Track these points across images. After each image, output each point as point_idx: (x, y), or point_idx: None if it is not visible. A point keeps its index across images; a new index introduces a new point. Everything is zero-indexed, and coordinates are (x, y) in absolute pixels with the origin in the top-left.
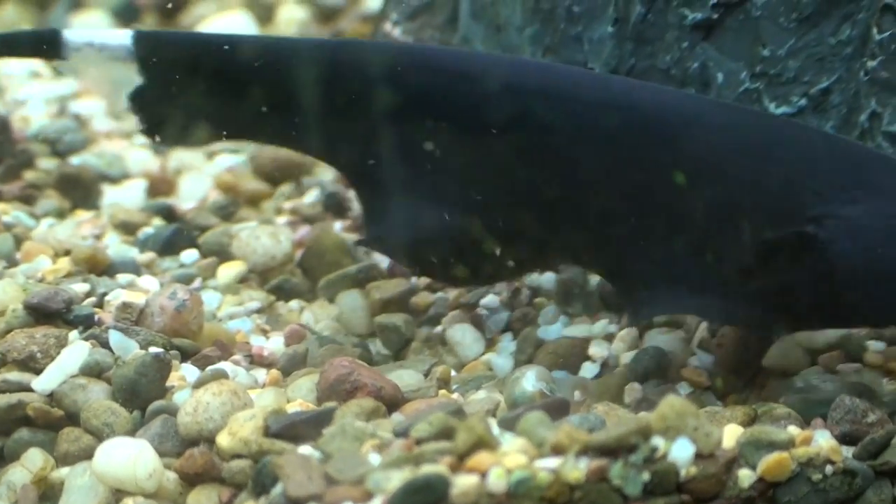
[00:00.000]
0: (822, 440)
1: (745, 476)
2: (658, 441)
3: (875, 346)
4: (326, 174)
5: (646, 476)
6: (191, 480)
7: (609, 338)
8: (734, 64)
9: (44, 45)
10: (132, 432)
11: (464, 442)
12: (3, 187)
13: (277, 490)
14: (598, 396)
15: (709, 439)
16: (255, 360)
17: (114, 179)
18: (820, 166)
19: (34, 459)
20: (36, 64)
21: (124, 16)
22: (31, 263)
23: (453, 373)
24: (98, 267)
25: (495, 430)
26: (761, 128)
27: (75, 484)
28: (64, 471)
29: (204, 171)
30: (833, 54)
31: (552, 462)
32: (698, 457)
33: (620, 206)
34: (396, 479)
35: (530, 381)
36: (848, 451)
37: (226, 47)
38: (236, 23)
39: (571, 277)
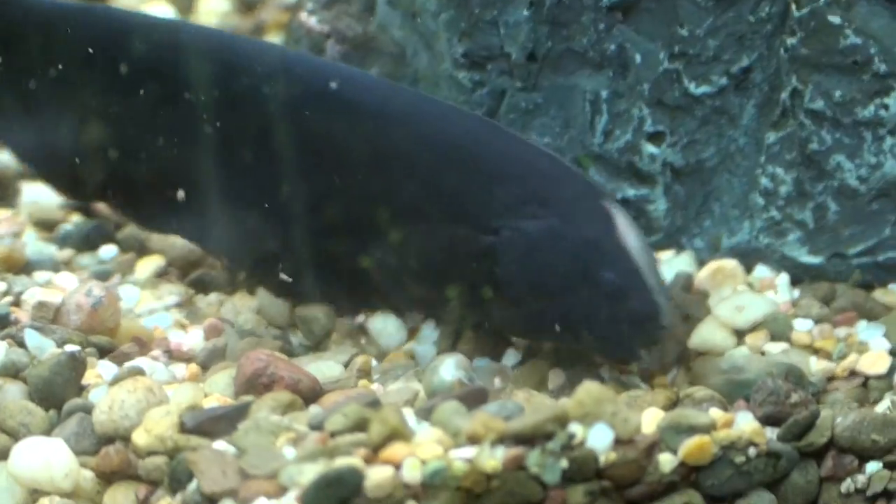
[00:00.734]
0: (745, 423)
1: (667, 461)
2: (576, 428)
3: (801, 325)
4: None
5: (564, 463)
6: (107, 478)
7: None
8: (652, 45)
9: None
10: (48, 431)
11: (378, 433)
12: None
13: (193, 486)
14: (519, 383)
15: (627, 425)
16: (173, 356)
17: (32, 177)
18: (509, 177)
19: None
20: None
21: None
22: None
23: (374, 363)
24: (15, 265)
25: (412, 420)
26: (459, 128)
27: None
28: None
29: None
30: (753, 32)
31: (468, 452)
32: (617, 442)
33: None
34: (310, 472)
35: (448, 369)
36: (772, 433)
37: None
38: (159, 13)
39: None
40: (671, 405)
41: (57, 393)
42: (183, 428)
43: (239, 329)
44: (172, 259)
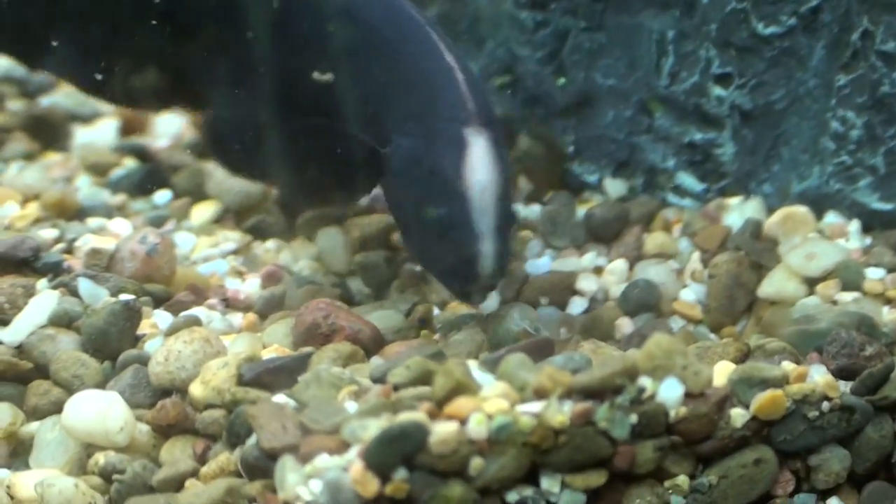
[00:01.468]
0: (818, 376)
1: (738, 415)
2: (645, 381)
3: (874, 273)
4: None
5: (633, 418)
6: (164, 432)
7: (598, 271)
8: None
9: None
10: (103, 384)
11: (442, 387)
12: None
13: (252, 441)
14: (585, 333)
15: (698, 378)
16: (230, 304)
17: (85, 119)
18: (406, 88)
19: (3, 415)
20: None
21: None
22: None
23: (436, 311)
24: (68, 211)
25: (476, 373)
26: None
27: (45, 439)
28: (34, 425)
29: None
30: None
31: (535, 406)
32: (688, 396)
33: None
34: (373, 427)
35: (514, 319)
36: (845, 387)
37: None
38: None
39: (557, 208)
40: (742, 357)
41: (111, 344)
42: (241, 380)
43: (297, 277)
44: (229, 204)
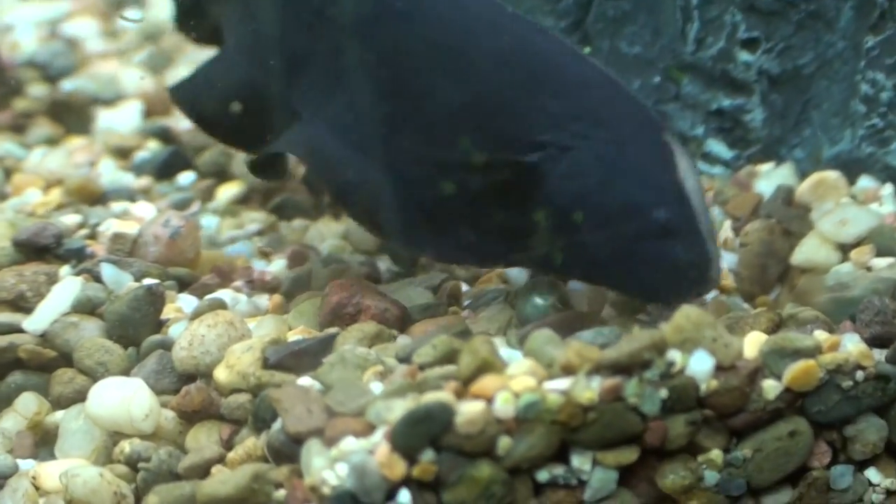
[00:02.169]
0: (851, 345)
1: (771, 387)
2: (674, 355)
3: None
4: None
5: (663, 393)
6: (189, 418)
7: None
8: None
9: None
10: (127, 370)
11: (468, 366)
12: None
13: (277, 425)
14: (614, 307)
15: (728, 350)
16: (256, 286)
17: (108, 102)
18: (561, 89)
19: (28, 404)
20: None
21: None
22: (21, 197)
23: (465, 287)
24: (91, 196)
25: (504, 350)
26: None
27: (70, 428)
28: (59, 414)
29: None
30: None
31: (562, 383)
32: (719, 369)
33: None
34: (398, 409)
35: (540, 295)
36: (880, 355)
37: None
38: None
39: None
40: (774, 328)
41: (135, 329)
42: (266, 363)
43: (324, 256)
44: (253, 184)
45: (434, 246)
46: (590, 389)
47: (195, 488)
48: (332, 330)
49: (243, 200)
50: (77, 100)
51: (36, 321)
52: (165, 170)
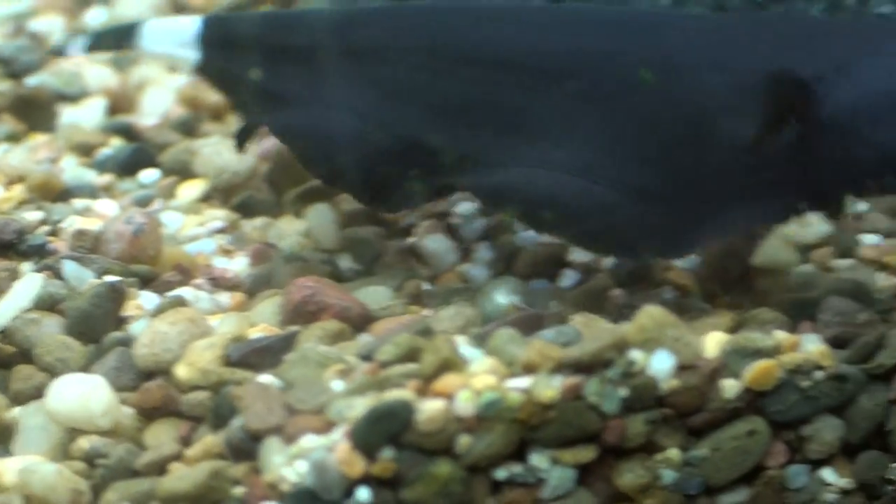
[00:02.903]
0: (811, 345)
1: (730, 386)
2: (636, 354)
3: (868, 240)
4: None
5: (624, 392)
6: (148, 415)
7: None
8: None
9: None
10: (87, 367)
11: (430, 364)
12: None
13: (237, 423)
14: (577, 306)
15: (690, 349)
16: (218, 284)
17: (72, 98)
18: (827, 37)
19: None
20: None
21: None
22: None
23: (426, 286)
24: (53, 192)
25: (465, 349)
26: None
27: (29, 424)
28: (17, 411)
29: (166, 85)
30: None
31: (524, 381)
32: (679, 368)
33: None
34: (359, 406)
35: (503, 293)
36: (839, 355)
37: None
38: None
39: None
40: (735, 327)
41: (96, 326)
42: (227, 361)
43: (286, 254)
44: (216, 182)
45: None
46: (551, 388)
47: (154, 485)
48: (294, 328)
49: (206, 198)
50: (41, 96)
51: None
52: (128, 167)
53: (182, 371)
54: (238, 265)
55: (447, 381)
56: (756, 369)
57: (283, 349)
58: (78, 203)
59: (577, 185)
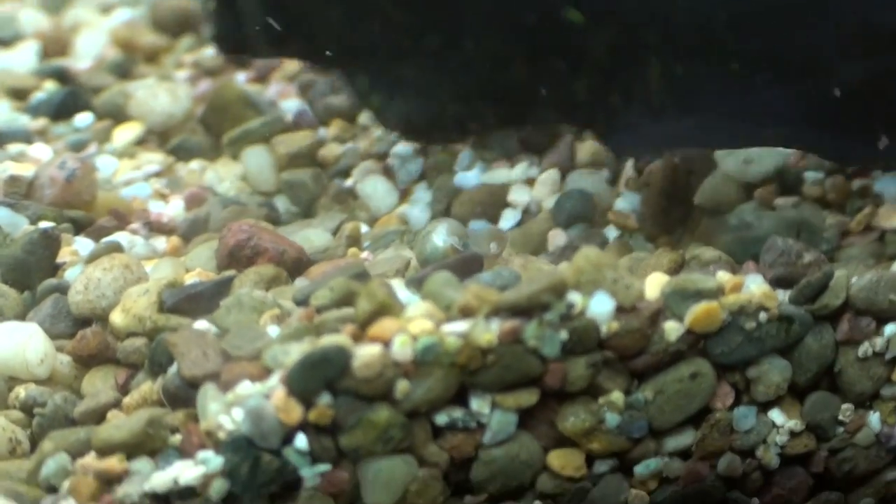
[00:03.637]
0: (754, 286)
1: (672, 329)
2: (574, 297)
3: (813, 176)
4: None
5: (563, 335)
6: (85, 363)
7: (530, 182)
8: None
9: None
10: (23, 315)
11: (365, 309)
12: None
13: (173, 369)
14: (518, 246)
15: (630, 292)
16: (153, 228)
17: (4, 42)
18: None
19: None
20: None
21: None
22: None
23: (365, 228)
24: None
25: (403, 293)
26: None
27: None
28: None
29: (100, 27)
30: None
31: (461, 326)
32: (619, 311)
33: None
34: (295, 352)
35: (441, 235)
36: (784, 296)
37: None
38: None
39: None
40: (676, 269)
41: (30, 273)
42: (162, 307)
43: (222, 197)
44: (152, 125)
45: None
46: (489, 332)
47: (90, 434)
48: (230, 273)
49: (141, 142)
50: None
51: None
52: (62, 111)
53: (117, 318)
54: (174, 209)
55: (383, 325)
56: (698, 311)
57: (218, 295)
58: (12, 148)
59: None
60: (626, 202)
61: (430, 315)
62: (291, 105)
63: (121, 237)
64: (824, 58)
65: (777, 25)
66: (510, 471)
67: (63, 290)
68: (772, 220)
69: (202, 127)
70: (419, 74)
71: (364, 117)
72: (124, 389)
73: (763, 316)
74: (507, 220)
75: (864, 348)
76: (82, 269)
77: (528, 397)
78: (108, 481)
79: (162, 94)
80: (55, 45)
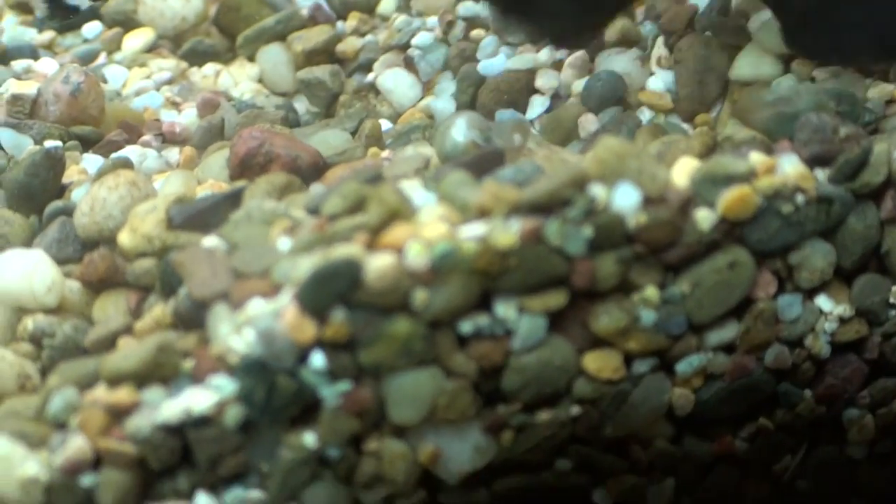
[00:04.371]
0: (789, 166)
1: (705, 217)
2: (597, 190)
3: None
4: None
5: (588, 231)
6: (95, 288)
7: (557, 66)
8: None
9: None
10: (30, 241)
11: (376, 215)
12: None
13: (184, 290)
14: (548, 134)
15: (656, 181)
16: (166, 139)
17: None
18: None
19: None
20: None
21: None
22: None
23: (388, 125)
24: None
25: (420, 193)
26: None
27: None
28: None
29: None
30: None
31: (478, 228)
32: (647, 202)
33: None
34: (305, 266)
35: (460, 130)
36: (822, 175)
37: None
38: None
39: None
40: (709, 151)
41: (36, 197)
42: (171, 224)
43: (237, 101)
44: (163, 30)
45: None
46: (508, 233)
47: (99, 364)
48: (241, 183)
49: (153, 48)
50: None
51: None
52: (70, 21)
53: (125, 238)
54: (187, 118)
55: (396, 232)
56: (730, 197)
57: (229, 208)
58: (18, 65)
59: None
60: (659, 81)
61: (445, 218)
62: None
63: (132, 151)
64: None
65: None
66: (544, 377)
67: (69, 212)
68: (811, 92)
69: (216, 28)
70: None
71: (384, 5)
72: (137, 313)
73: (800, 198)
74: (536, 107)
75: None
76: (87, 189)
77: (557, 299)
78: (118, 414)
79: None
80: None
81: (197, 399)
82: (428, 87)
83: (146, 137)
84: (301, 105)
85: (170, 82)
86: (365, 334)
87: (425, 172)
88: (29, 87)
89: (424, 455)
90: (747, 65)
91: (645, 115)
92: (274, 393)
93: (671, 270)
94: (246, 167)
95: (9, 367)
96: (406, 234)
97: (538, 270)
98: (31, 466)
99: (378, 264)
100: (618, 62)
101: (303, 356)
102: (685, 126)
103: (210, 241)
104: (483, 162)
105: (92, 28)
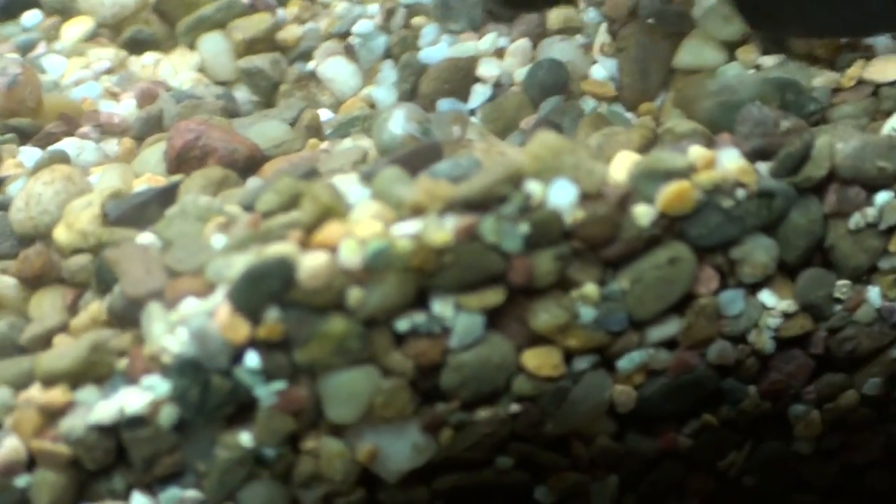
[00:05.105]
0: (729, 161)
1: (643, 213)
2: (533, 186)
3: None
4: None
5: (524, 228)
6: (31, 285)
7: (499, 53)
8: None
9: None
10: None
11: (309, 212)
12: None
13: (118, 289)
14: (489, 124)
15: (592, 176)
16: (105, 130)
17: None
18: None
19: None
20: None
21: None
22: None
23: (329, 115)
24: None
25: (356, 189)
26: None
27: None
28: None
29: None
30: None
31: (412, 225)
32: (584, 198)
33: None
34: (238, 265)
35: (398, 122)
36: (764, 169)
37: None
38: None
39: None
40: (648, 144)
41: None
42: (106, 219)
43: (176, 91)
44: (103, 18)
45: None
46: (442, 231)
47: (33, 363)
48: (177, 178)
49: (92, 37)
50: None
51: None
52: (7, 10)
53: (61, 234)
54: (126, 108)
55: (329, 230)
56: (669, 192)
57: (165, 203)
58: None
59: None
60: (602, 69)
61: (379, 216)
62: None
63: (70, 143)
64: None
65: None
66: (482, 375)
67: (5, 207)
68: (755, 81)
69: (157, 16)
70: None
71: None
72: (73, 311)
73: (741, 193)
74: (478, 96)
75: (856, 220)
76: (23, 184)
77: (494, 296)
78: (52, 414)
79: None
80: None
81: (131, 399)
82: (369, 76)
83: (84, 129)
84: (242, 94)
85: (109, 72)
86: (299, 333)
87: (362, 166)
88: None
89: (362, 454)
90: (690, 53)
91: (588, 103)
92: (208, 393)
93: (611, 266)
94: (182, 161)
95: None
96: (340, 232)
97: (474, 268)
98: None
99: (311, 263)
100: (561, 50)
101: (237, 356)
102: (629, 115)
103: (144, 237)
104: (420, 156)
105: (31, 17)
